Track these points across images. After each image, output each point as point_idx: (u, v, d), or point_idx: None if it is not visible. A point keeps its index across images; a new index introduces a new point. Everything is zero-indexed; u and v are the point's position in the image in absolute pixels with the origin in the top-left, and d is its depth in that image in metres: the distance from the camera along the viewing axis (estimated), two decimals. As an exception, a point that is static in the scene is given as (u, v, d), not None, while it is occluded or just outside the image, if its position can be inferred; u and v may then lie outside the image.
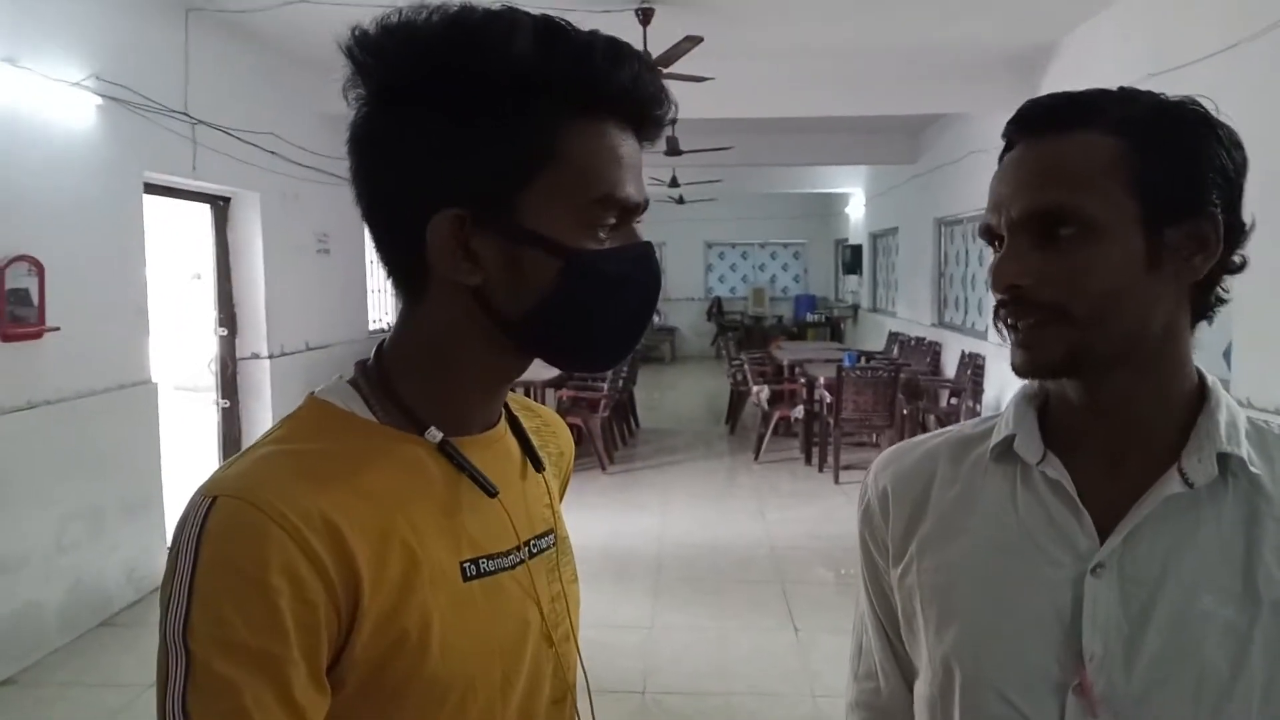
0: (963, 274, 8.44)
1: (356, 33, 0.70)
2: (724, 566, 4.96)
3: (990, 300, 0.83)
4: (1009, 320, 0.79)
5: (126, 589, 4.31)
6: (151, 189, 4.64)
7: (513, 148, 0.69)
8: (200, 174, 4.90)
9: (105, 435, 4.18)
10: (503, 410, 0.84)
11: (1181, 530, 0.77)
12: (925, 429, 7.86)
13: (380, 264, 0.76)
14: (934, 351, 8.71)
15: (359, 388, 0.76)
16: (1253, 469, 0.77)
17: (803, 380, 7.59)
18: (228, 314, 5.57)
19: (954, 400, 7.61)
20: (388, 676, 0.68)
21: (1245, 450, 0.78)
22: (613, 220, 0.73)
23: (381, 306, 7.90)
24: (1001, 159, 0.83)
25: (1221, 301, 0.82)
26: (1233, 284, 0.83)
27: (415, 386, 0.76)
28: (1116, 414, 0.80)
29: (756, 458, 7.48)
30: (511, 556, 0.78)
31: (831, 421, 6.81)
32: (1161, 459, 0.79)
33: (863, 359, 7.75)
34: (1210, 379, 0.83)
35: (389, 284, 0.78)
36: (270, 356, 5.69)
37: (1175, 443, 0.79)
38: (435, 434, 0.75)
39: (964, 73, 6.23)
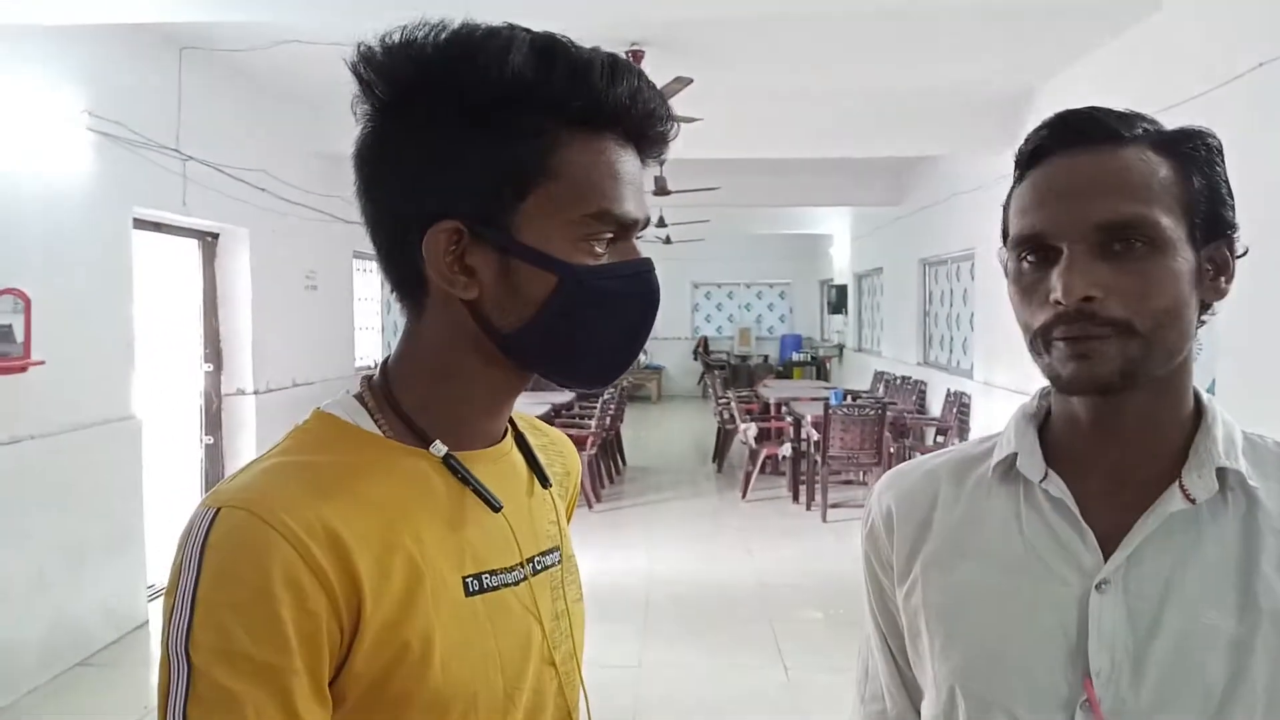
0: (947, 313, 8.51)
1: (362, 49, 0.71)
2: (712, 605, 4.92)
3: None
4: (1067, 334, 0.75)
5: (106, 628, 4.23)
6: (141, 224, 4.64)
7: (509, 162, 0.69)
8: (190, 210, 4.90)
9: (88, 471, 4.13)
10: (508, 426, 0.84)
11: (1184, 546, 0.78)
12: (912, 468, 7.89)
13: (383, 277, 0.77)
14: (919, 390, 8.75)
15: (364, 401, 0.76)
16: (1251, 483, 0.78)
17: (789, 418, 7.61)
18: (214, 349, 5.55)
19: (940, 438, 7.63)
20: (389, 690, 0.68)
21: (1243, 465, 0.79)
22: (610, 236, 0.73)
23: (369, 344, 7.89)
24: (1023, 168, 0.81)
25: (1202, 322, 0.82)
26: (1215, 323, 0.84)
27: (418, 400, 0.76)
28: (1124, 433, 0.80)
29: (744, 496, 7.46)
30: (515, 573, 0.78)
31: (819, 459, 6.81)
32: (1162, 476, 0.79)
33: (849, 397, 7.78)
34: (1206, 396, 0.83)
35: (393, 298, 0.78)
36: (256, 393, 5.66)
37: (1176, 459, 0.80)
38: (440, 448, 0.74)
39: (946, 117, 6.34)
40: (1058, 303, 0.74)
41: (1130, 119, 0.78)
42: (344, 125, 0.76)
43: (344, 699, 0.67)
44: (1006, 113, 6.12)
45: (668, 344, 15.96)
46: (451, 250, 0.70)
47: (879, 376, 10.17)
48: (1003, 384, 6.53)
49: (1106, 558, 0.79)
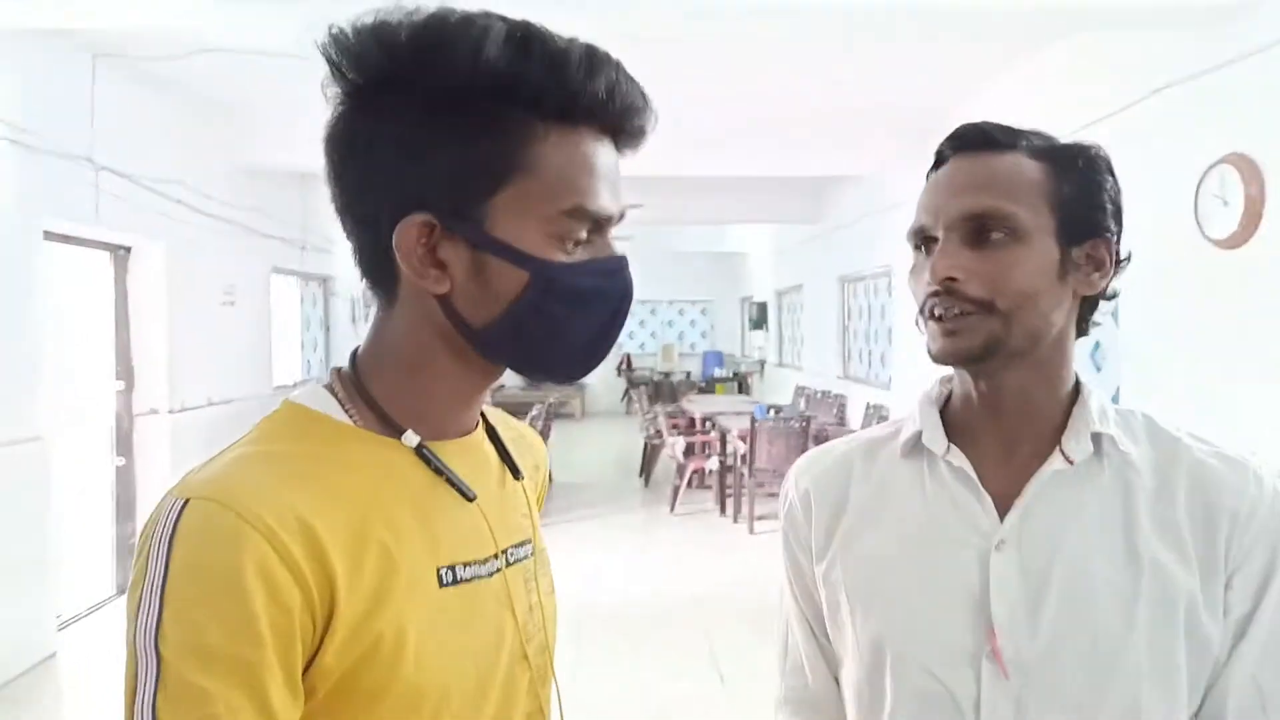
0: (866, 329, 8.76)
1: (333, 31, 0.68)
2: (645, 618, 4.94)
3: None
4: (937, 311, 0.87)
5: (12, 661, 4.01)
6: (50, 236, 4.46)
7: (482, 154, 0.68)
8: (103, 222, 4.73)
9: (-8, 494, 3.92)
10: (480, 418, 0.83)
11: (1068, 505, 0.87)
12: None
13: (355, 264, 0.75)
14: (840, 403, 8.96)
15: (334, 392, 0.75)
16: (1123, 447, 0.87)
17: (715, 433, 7.70)
18: (125, 367, 5.34)
19: (861, 450, 7.81)
20: (360, 684, 0.67)
21: (1115, 430, 0.88)
22: (584, 232, 0.71)
23: (288, 362, 7.70)
24: (929, 176, 0.92)
25: (1096, 324, 0.94)
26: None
27: (389, 391, 0.75)
28: (1012, 407, 0.90)
29: (672, 510, 7.51)
30: (489, 565, 0.77)
31: (746, 472, 6.91)
32: (1046, 445, 0.89)
33: (771, 411, 7.92)
34: (1083, 380, 0.93)
35: (365, 283, 0.76)
36: (170, 412, 5.47)
37: (1058, 431, 0.89)
38: (412, 438, 0.73)
39: (864, 136, 6.56)
40: (929, 283, 0.86)
41: (1014, 132, 0.89)
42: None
43: (314, 693, 0.65)
44: (922, 133, 6.36)
45: (591, 361, 15.95)
46: (423, 244, 0.69)
47: (800, 391, 10.37)
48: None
49: (1004, 521, 0.87)
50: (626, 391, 15.47)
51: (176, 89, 5.37)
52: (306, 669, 0.65)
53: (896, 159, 6.58)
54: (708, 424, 8.21)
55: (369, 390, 0.75)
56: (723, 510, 7.42)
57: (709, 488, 7.94)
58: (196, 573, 0.61)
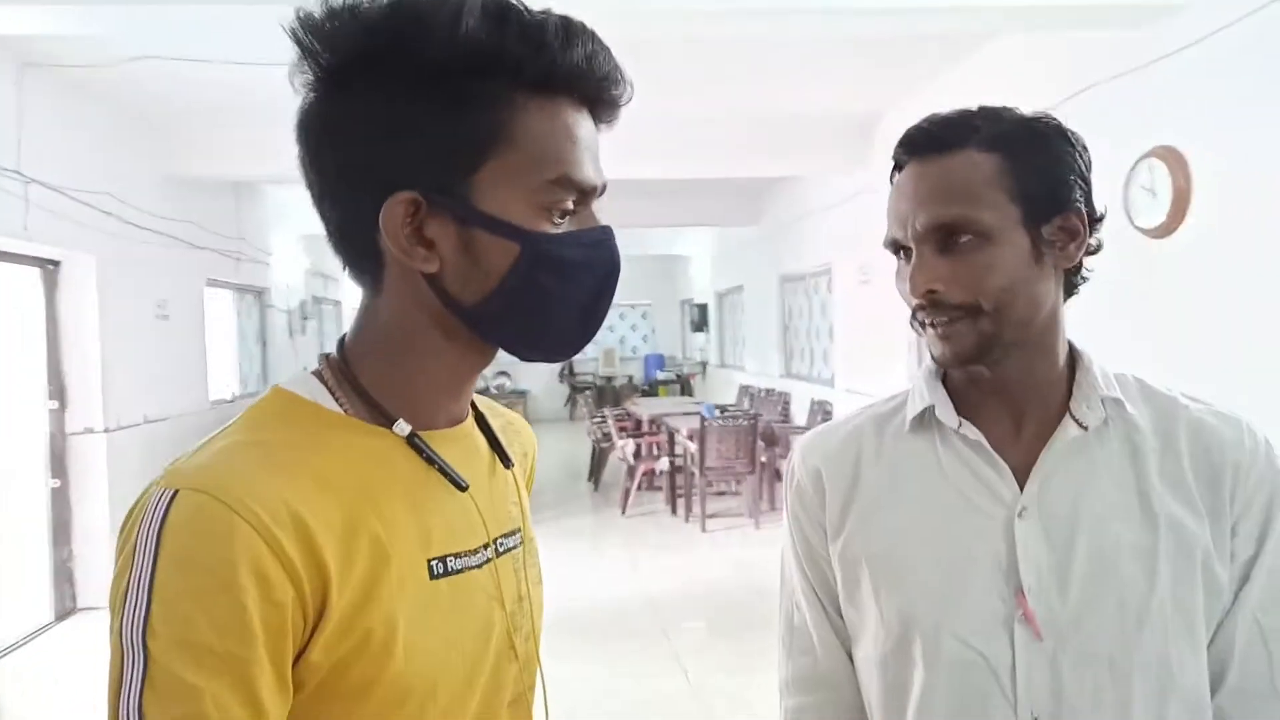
0: (807, 327, 8.90)
1: (301, 14, 0.67)
2: (604, 619, 4.94)
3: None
4: (927, 321, 0.90)
5: (-53, 694, 3.84)
6: (-24, 251, 4.28)
7: (465, 129, 0.67)
8: (32, 235, 4.55)
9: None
10: (470, 407, 0.82)
11: (1083, 469, 0.91)
12: (779, 475, 8.19)
13: (336, 255, 0.74)
14: (784, 401, 9.09)
15: (323, 379, 0.74)
16: (1129, 409, 0.92)
17: (664, 433, 7.74)
18: (58, 385, 5.15)
19: (807, 446, 7.92)
20: (350, 677, 0.66)
21: (1120, 393, 0.93)
22: (570, 203, 0.71)
23: (225, 376, 7.50)
24: (892, 178, 0.95)
25: (1085, 279, 0.96)
26: (1071, 315, 0.97)
27: (379, 377, 0.73)
28: (1016, 385, 0.93)
29: (624, 512, 7.53)
30: (479, 555, 0.76)
31: (696, 472, 6.96)
32: (1054, 413, 0.93)
33: (719, 410, 8.00)
34: (1075, 343, 0.97)
35: (348, 269, 0.74)
36: (106, 430, 5.28)
37: (1063, 398, 0.93)
38: (404, 426, 0.72)
39: (802, 139, 6.67)
40: (913, 296, 0.90)
41: (963, 126, 0.90)
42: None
43: (302, 686, 0.64)
44: (857, 135, 6.51)
45: (533, 367, 15.87)
46: (409, 222, 0.68)
47: (744, 390, 10.49)
48: (863, 389, 6.90)
49: (1021, 489, 0.91)
50: (570, 396, 15.42)
51: (107, 99, 5.22)
52: (295, 661, 0.64)
53: (833, 161, 6.71)
54: (655, 425, 8.25)
55: (358, 378, 0.73)
56: (674, 510, 7.46)
57: (659, 489, 7.97)
58: (187, 567, 0.59)
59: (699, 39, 4.53)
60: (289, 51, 0.69)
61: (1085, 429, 0.91)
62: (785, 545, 1.07)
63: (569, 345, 0.76)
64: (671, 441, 7.53)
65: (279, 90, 0.74)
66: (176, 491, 0.61)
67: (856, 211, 6.90)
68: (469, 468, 0.77)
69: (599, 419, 8.77)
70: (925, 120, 0.92)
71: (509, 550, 0.81)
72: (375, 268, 0.72)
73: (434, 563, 0.71)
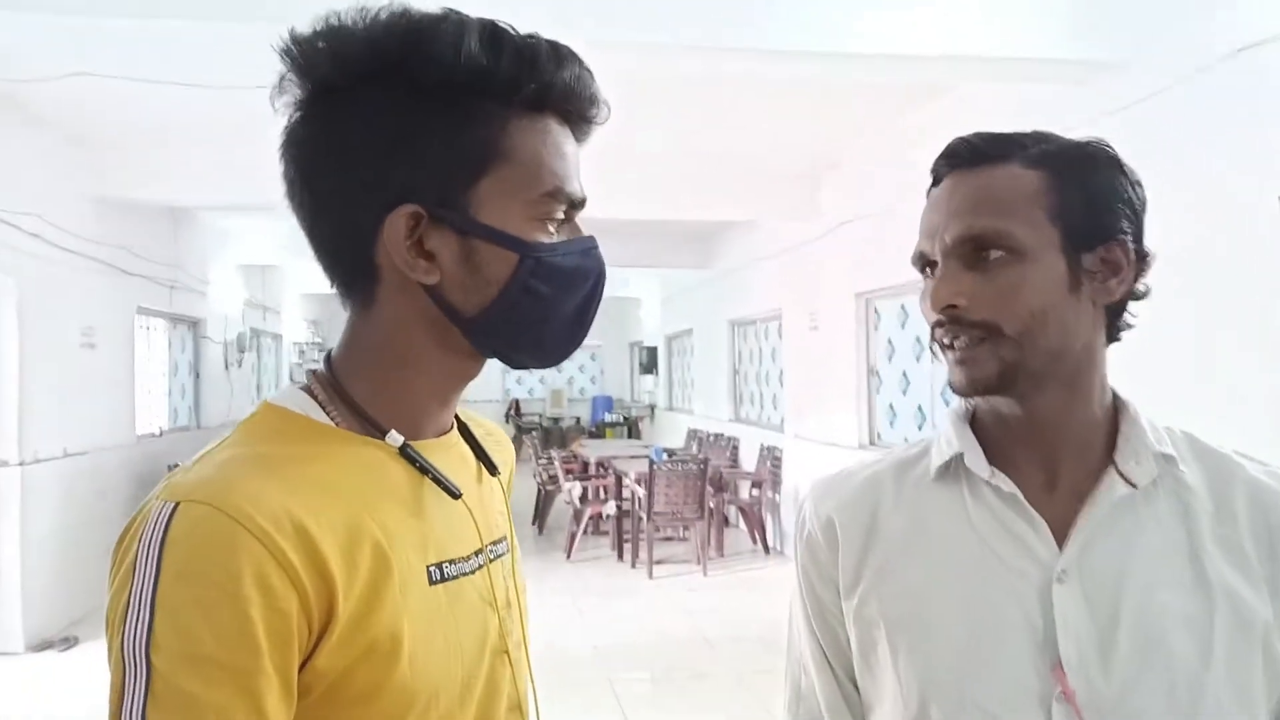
0: (757, 371, 8.88)
1: (292, 33, 0.69)
2: (548, 667, 4.69)
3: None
4: (946, 340, 0.82)
5: None
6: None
7: (466, 144, 0.70)
8: (-53, 255, 4.31)
9: None
10: (454, 418, 0.84)
11: (1128, 531, 0.81)
12: (728, 521, 8.09)
13: (324, 272, 0.75)
14: (733, 445, 9.03)
15: (313, 394, 0.75)
16: (1181, 468, 0.83)
17: (611, 476, 7.60)
18: (-31, 415, 4.85)
19: (755, 491, 7.88)
20: (355, 683, 0.66)
21: (1173, 449, 0.84)
22: (561, 214, 0.75)
23: (154, 409, 7.18)
24: (929, 193, 0.87)
25: (1129, 325, 0.88)
26: None
27: (369, 391, 0.75)
28: (1049, 429, 0.84)
29: (569, 556, 7.34)
30: (472, 561, 0.78)
31: (644, 516, 6.82)
32: (1094, 466, 0.84)
33: (667, 454, 7.90)
34: (1119, 393, 0.89)
35: (338, 287, 0.76)
36: (21, 464, 4.98)
37: (1104, 449, 0.84)
38: (396, 437, 0.74)
39: (752, 184, 6.70)
40: (933, 311, 0.83)
41: (1009, 142, 0.84)
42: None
43: (307, 693, 0.64)
44: (809, 181, 6.55)
45: (479, 407, 15.53)
46: (411, 235, 0.70)
47: (692, 434, 10.41)
48: (812, 436, 6.86)
49: (1061, 549, 0.81)
50: (517, 436, 15.23)
51: (37, 116, 5.00)
52: (301, 668, 0.64)
53: (783, 206, 6.74)
54: (603, 468, 8.10)
55: (348, 391, 0.75)
56: (620, 556, 7.29)
57: (605, 534, 7.81)
58: (190, 579, 0.60)
59: (646, 84, 4.50)
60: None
61: (1134, 487, 0.82)
62: (793, 601, 0.97)
63: (561, 351, 0.78)
64: (619, 485, 7.39)
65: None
66: (178, 504, 0.62)
67: (807, 258, 6.92)
68: (458, 476, 0.79)
69: (545, 460, 8.61)
70: (973, 134, 0.86)
71: (499, 557, 0.83)
72: (369, 284, 0.73)
73: (432, 569, 0.73)
